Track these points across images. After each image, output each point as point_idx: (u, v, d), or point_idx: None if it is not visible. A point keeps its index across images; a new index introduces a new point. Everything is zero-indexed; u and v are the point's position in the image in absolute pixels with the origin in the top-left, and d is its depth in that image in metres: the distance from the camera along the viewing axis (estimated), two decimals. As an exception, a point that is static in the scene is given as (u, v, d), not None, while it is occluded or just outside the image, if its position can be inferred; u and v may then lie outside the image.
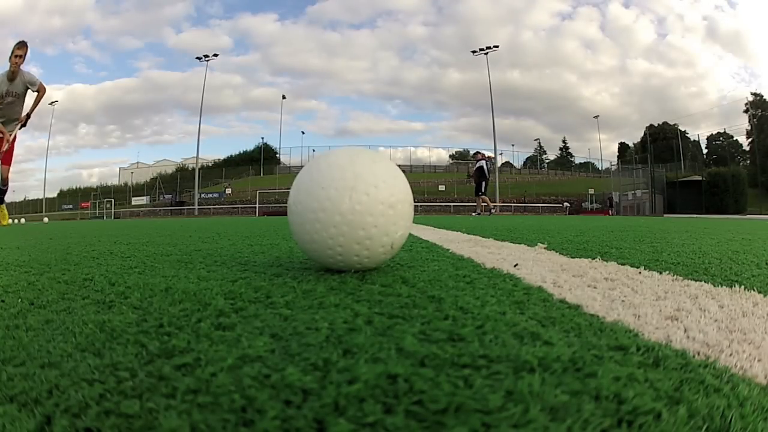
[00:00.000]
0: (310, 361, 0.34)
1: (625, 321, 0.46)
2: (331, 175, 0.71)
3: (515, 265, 0.85)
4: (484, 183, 11.56)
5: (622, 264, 0.90)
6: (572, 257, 1.03)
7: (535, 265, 0.88)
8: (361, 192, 0.69)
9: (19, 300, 0.59)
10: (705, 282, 0.69)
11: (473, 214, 11.07)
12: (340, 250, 0.71)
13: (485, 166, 11.70)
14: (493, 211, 11.16)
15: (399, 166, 0.81)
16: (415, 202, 0.86)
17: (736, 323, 0.46)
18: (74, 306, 0.55)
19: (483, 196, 11.39)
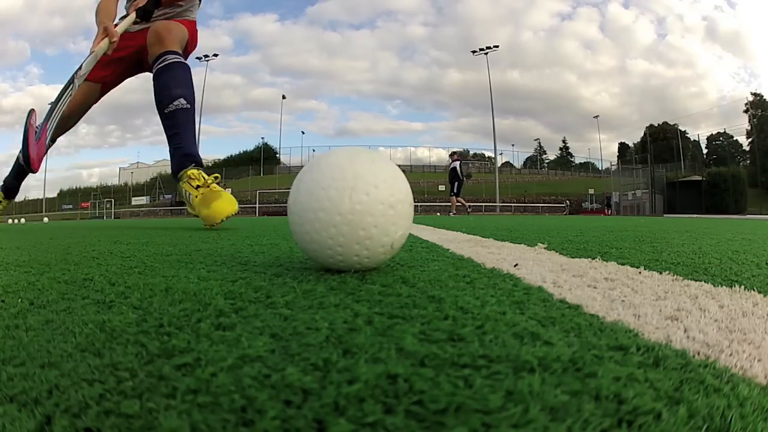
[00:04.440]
0: (310, 361, 0.34)
1: (625, 321, 0.46)
2: (331, 175, 0.71)
3: (515, 265, 0.85)
4: (457, 184, 11.59)
5: (622, 264, 0.90)
6: (572, 257, 1.03)
7: (535, 265, 0.88)
8: (361, 192, 0.69)
9: (19, 300, 0.59)
10: (705, 282, 0.69)
11: (451, 213, 11.09)
12: (340, 250, 0.71)
13: (458, 168, 11.74)
14: (452, 213, 11.22)
15: (399, 166, 0.81)
16: (415, 202, 0.86)
17: (736, 323, 0.46)
18: (74, 306, 0.55)
19: (453, 197, 11.43)
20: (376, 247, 0.71)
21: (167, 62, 2.15)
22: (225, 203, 2.13)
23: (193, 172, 2.18)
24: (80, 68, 1.93)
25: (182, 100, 2.14)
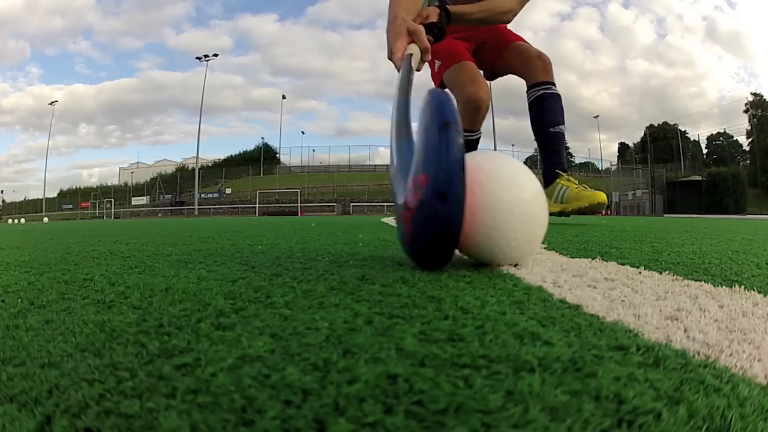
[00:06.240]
0: (310, 361, 0.34)
1: (625, 321, 0.46)
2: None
3: (515, 265, 0.85)
4: None
5: (622, 264, 0.90)
6: (572, 257, 1.03)
7: (535, 265, 0.88)
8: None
9: (19, 300, 0.59)
10: (705, 282, 0.69)
11: None
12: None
13: None
14: None
15: (399, 166, 0.81)
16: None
17: (736, 323, 0.46)
18: (74, 306, 0.55)
19: None
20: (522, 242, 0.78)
21: (554, 92, 2.57)
22: (597, 194, 2.60)
23: (569, 177, 2.67)
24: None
25: (562, 127, 2.60)
